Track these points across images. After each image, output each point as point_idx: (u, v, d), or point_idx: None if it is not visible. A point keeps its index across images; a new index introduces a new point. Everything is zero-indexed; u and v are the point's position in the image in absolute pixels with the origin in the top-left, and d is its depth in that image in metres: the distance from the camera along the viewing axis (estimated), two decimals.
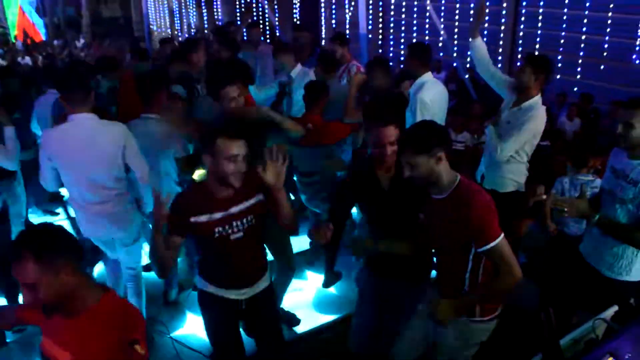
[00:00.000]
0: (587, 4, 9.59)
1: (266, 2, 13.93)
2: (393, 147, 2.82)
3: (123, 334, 1.95)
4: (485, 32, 11.07)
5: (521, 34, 10.81)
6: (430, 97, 4.38)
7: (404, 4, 13.20)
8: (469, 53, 11.87)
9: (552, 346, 2.16)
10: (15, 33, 21.02)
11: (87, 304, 1.98)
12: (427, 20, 12.16)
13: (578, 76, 9.94)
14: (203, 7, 18.18)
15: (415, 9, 12.85)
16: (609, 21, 9.33)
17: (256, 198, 2.76)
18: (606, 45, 9.47)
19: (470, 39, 4.46)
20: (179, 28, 19.91)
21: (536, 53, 8.46)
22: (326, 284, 4.62)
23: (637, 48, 9.07)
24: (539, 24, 10.46)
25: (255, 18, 14.62)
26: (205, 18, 18.29)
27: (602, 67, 9.58)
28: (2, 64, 16.64)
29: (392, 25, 13.76)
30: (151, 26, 19.06)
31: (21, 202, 4.87)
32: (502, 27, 11.02)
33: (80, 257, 1.97)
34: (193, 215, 2.65)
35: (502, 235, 2.46)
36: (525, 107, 4.05)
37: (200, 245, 2.94)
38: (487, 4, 11.14)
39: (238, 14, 16.59)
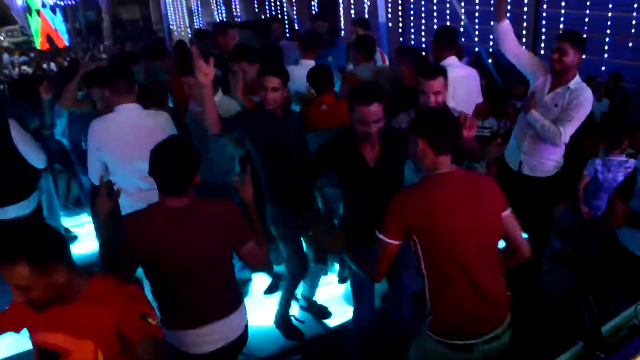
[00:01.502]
0: None
1: None
2: (378, 125, 2.83)
3: (126, 310, 1.93)
4: (508, 15, 10.85)
5: (544, 14, 10.58)
6: (460, 72, 4.28)
7: None
8: (491, 37, 11.73)
9: (593, 334, 2.10)
10: (39, 40, 21.37)
11: (79, 291, 1.96)
12: (448, 6, 12.01)
13: (605, 55, 9.71)
14: (220, 4, 18.24)
15: None
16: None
17: None
18: (634, 22, 9.23)
19: (495, 23, 4.23)
20: (197, 27, 20.00)
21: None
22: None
23: None
24: (562, 4, 10.24)
25: (273, 13, 14.61)
26: (224, 15, 18.34)
27: (630, 44, 9.35)
28: (28, 70, 16.94)
29: (412, 12, 13.61)
30: (170, 26, 19.17)
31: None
32: (525, 9, 10.80)
33: (69, 254, 1.96)
34: None
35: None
36: (575, 87, 3.86)
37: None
38: None
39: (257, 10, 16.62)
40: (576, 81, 3.87)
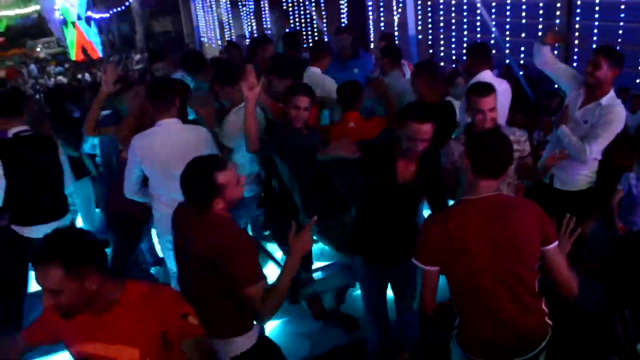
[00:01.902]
0: None
1: (313, 8, 14.00)
2: (424, 144, 2.86)
3: (165, 315, 1.94)
4: (540, 27, 10.80)
5: (577, 26, 10.46)
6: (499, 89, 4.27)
7: (453, 2, 13.03)
8: (522, 49, 11.63)
9: (628, 350, 2.05)
10: (74, 51, 21.94)
11: (113, 298, 1.95)
12: (478, 18, 11.96)
13: None
14: (251, 17, 18.46)
15: (465, 7, 12.66)
16: None
17: None
18: None
19: (539, 44, 4.17)
20: (229, 39, 20.27)
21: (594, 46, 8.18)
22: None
23: None
24: (596, 15, 10.11)
25: (302, 25, 14.75)
26: (254, 27, 18.57)
27: None
28: (63, 80, 17.36)
29: (441, 24, 13.59)
30: (202, 38, 19.49)
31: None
32: (557, 21, 10.70)
33: (105, 261, 1.95)
34: None
35: None
36: (606, 103, 3.80)
37: None
38: None
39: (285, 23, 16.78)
40: (609, 97, 3.80)
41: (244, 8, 18.81)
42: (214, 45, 21.18)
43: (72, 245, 1.84)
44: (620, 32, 9.72)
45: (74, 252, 1.83)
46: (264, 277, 2.38)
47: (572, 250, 4.26)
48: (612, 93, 3.82)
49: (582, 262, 5.06)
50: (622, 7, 9.63)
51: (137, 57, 21.38)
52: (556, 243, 2.35)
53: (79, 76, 17.68)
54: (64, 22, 22.06)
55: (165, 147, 3.50)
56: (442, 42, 13.74)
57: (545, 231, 2.32)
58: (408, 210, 2.63)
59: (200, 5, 20.44)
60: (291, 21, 16.45)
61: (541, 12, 10.90)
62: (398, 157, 2.98)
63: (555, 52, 10.55)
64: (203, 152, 3.39)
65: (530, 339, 2.37)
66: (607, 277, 4.63)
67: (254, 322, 2.55)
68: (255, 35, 18.00)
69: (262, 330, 2.70)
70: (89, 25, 22.44)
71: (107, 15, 25.64)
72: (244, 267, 2.30)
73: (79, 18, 21.74)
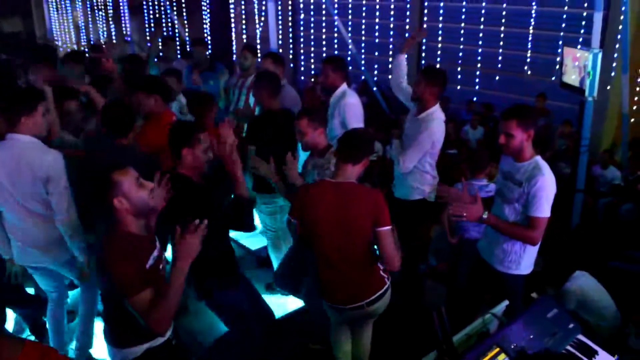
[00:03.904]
0: (482, 19, 10.25)
1: (176, 17, 13.82)
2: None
3: None
4: (391, 47, 11.54)
5: (424, 47, 11.33)
6: (355, 101, 4.60)
7: (312, 20, 13.51)
8: (375, 66, 12.28)
9: (445, 342, 2.35)
10: None
11: None
12: (336, 35, 12.51)
13: (477, 87, 10.58)
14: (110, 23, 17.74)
15: (324, 25, 13.18)
16: (502, 35, 10.04)
17: None
18: (500, 58, 10.16)
19: (399, 54, 4.69)
20: (84, 44, 19.26)
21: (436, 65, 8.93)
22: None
23: (528, 60, 9.79)
24: (439, 38, 11.03)
25: (165, 34, 14.46)
26: (113, 33, 17.84)
27: (497, 77, 10.26)
28: None
29: (302, 40, 14.03)
30: (55, 41, 18.37)
31: None
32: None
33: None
34: None
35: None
36: (422, 117, 4.23)
37: None
38: (392, 19, 11.65)
39: (147, 30, 16.34)
40: (427, 112, 4.23)
41: (101, 13, 18.02)
42: (68, 49, 19.99)
43: None
44: (460, 54, 10.71)
45: None
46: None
47: (415, 254, 4.73)
48: (433, 109, 4.23)
49: (429, 265, 5.58)
50: (462, 31, 10.61)
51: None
52: (389, 227, 3.05)
53: None
54: None
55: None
56: (302, 57, 14.17)
57: (379, 215, 3.03)
58: None
59: (54, 6, 19.25)
60: (152, 27, 16.05)
61: (392, 32, 11.67)
62: None
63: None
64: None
65: (362, 288, 3.20)
66: (448, 278, 5.14)
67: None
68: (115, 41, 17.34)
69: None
70: None
71: None
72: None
73: None
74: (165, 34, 14.12)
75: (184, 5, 15.22)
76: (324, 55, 13.37)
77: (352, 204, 3.05)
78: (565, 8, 9.06)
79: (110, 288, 2.41)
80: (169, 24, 15.39)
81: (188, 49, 11.73)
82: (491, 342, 2.43)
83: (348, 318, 3.42)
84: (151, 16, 16.60)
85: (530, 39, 9.69)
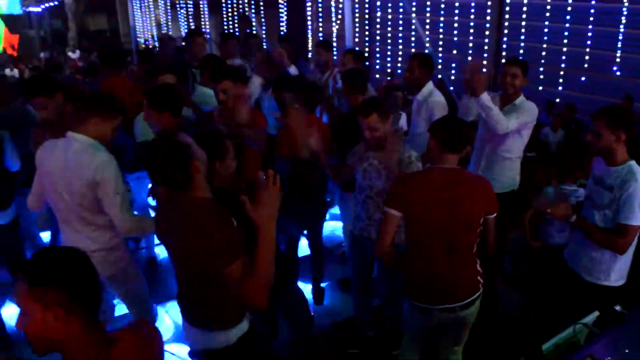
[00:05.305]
0: (568, 17, 9.83)
1: (253, 15, 14.06)
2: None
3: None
4: (471, 45, 11.26)
5: (504, 46, 10.99)
6: (443, 101, 4.51)
7: (389, 17, 13.38)
8: (453, 65, 12.00)
9: (534, 350, 2.24)
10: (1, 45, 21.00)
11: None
12: (413, 34, 12.34)
13: (560, 87, 10.15)
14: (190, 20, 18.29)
15: (400, 22, 13.03)
16: (589, 34, 9.58)
17: None
18: (587, 57, 9.70)
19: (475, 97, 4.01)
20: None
21: None
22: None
23: (618, 60, 9.30)
24: (522, 37, 10.69)
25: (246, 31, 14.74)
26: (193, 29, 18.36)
27: (582, 78, 9.80)
28: None
29: (378, 38, 13.93)
30: (138, 38, 19.10)
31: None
32: (486, 40, 11.20)
33: (86, 299, 1.61)
34: None
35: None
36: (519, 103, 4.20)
37: None
38: (472, 17, 11.36)
39: (225, 25, 16.72)
40: (521, 99, 4.17)
41: (182, 10, 18.60)
42: (150, 47, 20.78)
43: (42, 259, 1.57)
44: (544, 53, 10.31)
45: (39, 266, 1.54)
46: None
47: (495, 257, 4.56)
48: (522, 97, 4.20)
49: (503, 272, 5.36)
50: (546, 30, 10.23)
51: (76, 54, 20.58)
52: (494, 215, 2.94)
53: (7, 71, 16.89)
54: None
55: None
56: (377, 55, 14.08)
57: (491, 205, 2.91)
58: None
59: (138, 4, 20.02)
60: (227, 20, 16.42)
61: (472, 31, 11.40)
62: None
63: (484, 70, 11.09)
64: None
65: (460, 289, 2.93)
66: (525, 285, 4.93)
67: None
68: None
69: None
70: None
71: (39, 10, 24.67)
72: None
73: None
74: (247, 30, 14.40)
75: (261, 3, 15.45)
76: (400, 54, 13.24)
77: (463, 189, 2.82)
78: None
79: (201, 260, 2.17)
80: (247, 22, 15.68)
81: (265, 47, 11.93)
82: (584, 354, 2.30)
83: (433, 323, 3.04)
84: (229, 13, 16.97)
85: (620, 38, 9.19)
